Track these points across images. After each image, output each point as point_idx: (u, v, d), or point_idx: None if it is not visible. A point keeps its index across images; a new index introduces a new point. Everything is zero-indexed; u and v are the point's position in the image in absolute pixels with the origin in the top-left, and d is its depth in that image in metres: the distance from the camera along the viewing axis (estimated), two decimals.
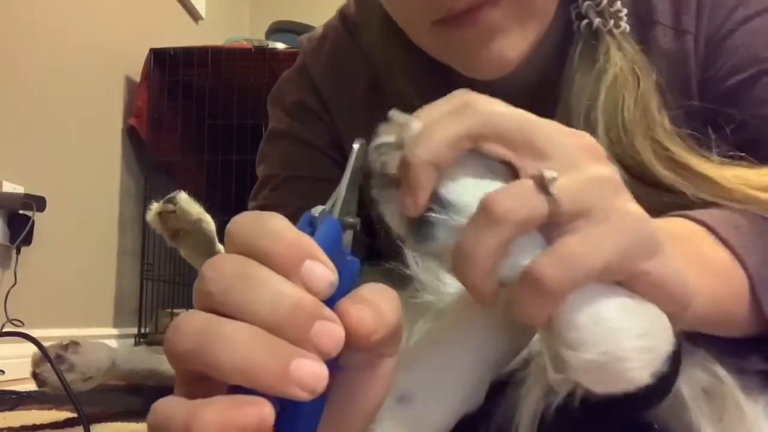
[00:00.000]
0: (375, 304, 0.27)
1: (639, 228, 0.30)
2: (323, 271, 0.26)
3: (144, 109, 2.24)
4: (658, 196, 0.49)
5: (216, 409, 0.24)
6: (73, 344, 1.01)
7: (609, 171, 0.31)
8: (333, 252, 0.28)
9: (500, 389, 0.36)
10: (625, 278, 0.29)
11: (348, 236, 0.30)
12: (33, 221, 1.65)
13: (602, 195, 0.30)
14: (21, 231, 1.63)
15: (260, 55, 2.20)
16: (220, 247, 1.25)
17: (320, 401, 0.27)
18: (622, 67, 0.53)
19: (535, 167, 0.30)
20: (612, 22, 0.54)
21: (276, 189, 0.69)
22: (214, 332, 0.25)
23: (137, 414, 1.09)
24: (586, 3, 0.55)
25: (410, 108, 0.34)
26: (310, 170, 0.68)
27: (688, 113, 0.58)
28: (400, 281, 0.46)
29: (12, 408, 1.14)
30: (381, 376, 0.29)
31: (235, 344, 0.24)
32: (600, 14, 0.55)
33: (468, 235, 0.29)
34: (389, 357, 0.29)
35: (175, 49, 2.25)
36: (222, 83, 2.22)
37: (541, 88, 0.57)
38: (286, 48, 2.29)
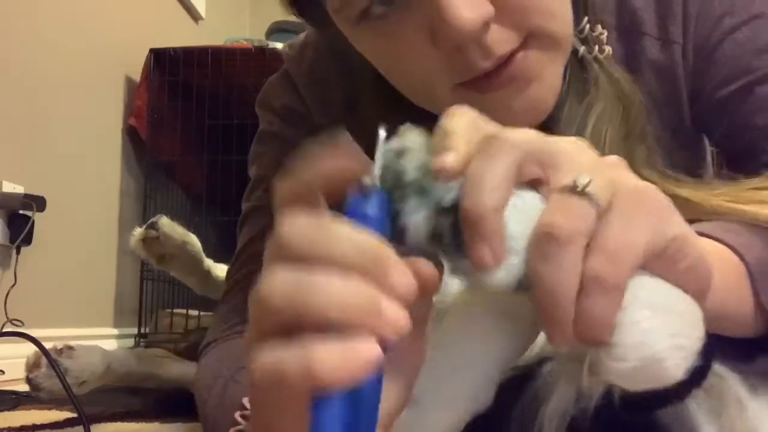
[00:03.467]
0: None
1: (659, 197, 0.30)
2: (409, 279, 0.27)
3: (144, 109, 2.24)
4: None
5: (331, 347, 0.25)
6: (68, 348, 1.01)
7: (608, 156, 0.32)
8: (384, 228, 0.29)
9: (513, 388, 0.36)
10: (660, 250, 0.29)
11: None
12: (33, 221, 1.65)
13: (621, 178, 0.30)
14: (21, 231, 1.63)
15: (260, 55, 2.20)
16: (207, 264, 1.25)
17: (378, 385, 0.28)
18: (611, 98, 0.53)
19: (561, 177, 0.30)
20: (596, 48, 0.54)
21: (269, 189, 0.69)
22: (307, 277, 0.26)
23: (137, 414, 1.10)
24: None
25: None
26: None
27: (679, 127, 0.58)
28: None
29: (12, 408, 1.14)
30: (419, 350, 0.31)
31: (330, 285, 0.26)
32: (584, 41, 0.54)
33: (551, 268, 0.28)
34: (420, 354, 0.31)
35: (175, 49, 2.24)
36: (222, 83, 2.22)
37: None
38: None
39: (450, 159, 0.29)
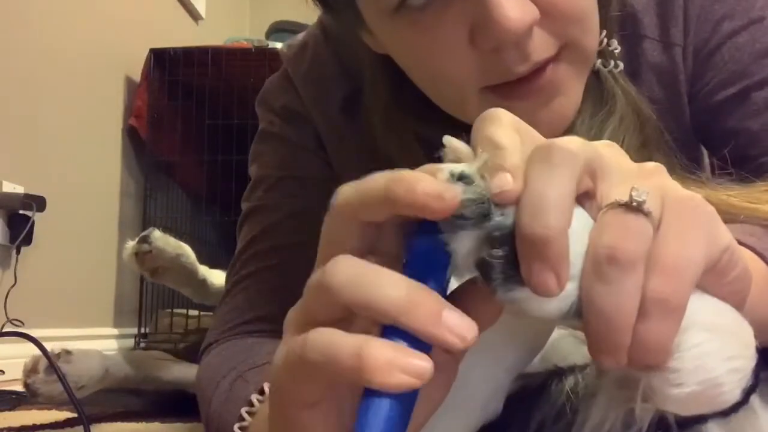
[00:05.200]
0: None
1: (707, 207, 0.29)
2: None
3: (144, 109, 2.24)
4: None
5: (386, 348, 0.25)
6: (65, 353, 1.00)
7: (647, 163, 0.31)
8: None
9: (520, 398, 0.36)
10: (714, 263, 0.28)
11: None
12: (33, 221, 1.65)
13: (667, 187, 0.29)
14: (21, 231, 1.63)
15: (260, 55, 2.19)
16: (203, 273, 1.23)
17: (415, 395, 0.28)
18: (627, 111, 0.53)
19: (608, 188, 0.28)
20: (612, 63, 0.54)
21: (270, 189, 0.69)
22: (374, 270, 0.26)
23: (137, 414, 1.09)
24: None
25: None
26: (302, 171, 0.69)
27: (680, 129, 0.58)
28: None
29: (12, 408, 1.14)
30: (449, 381, 0.31)
31: (397, 282, 0.26)
32: (600, 54, 0.55)
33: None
34: (456, 363, 0.31)
35: (175, 49, 2.24)
36: (222, 83, 2.22)
37: None
38: None
39: (509, 182, 0.26)
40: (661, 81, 0.59)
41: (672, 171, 0.51)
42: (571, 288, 0.27)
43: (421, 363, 0.25)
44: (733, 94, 0.57)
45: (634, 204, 0.27)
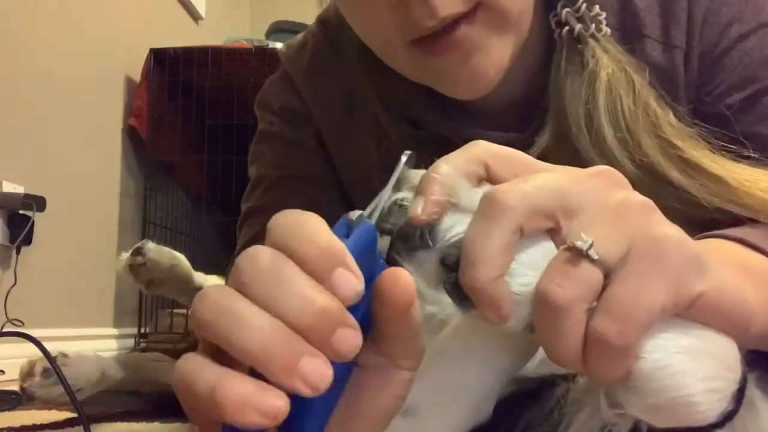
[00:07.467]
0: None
1: (683, 251, 0.28)
2: (351, 280, 0.26)
3: (144, 109, 2.23)
4: (677, 196, 0.48)
5: (242, 384, 0.25)
6: (62, 356, 1.00)
7: (635, 196, 0.30)
8: (366, 256, 0.28)
9: (512, 403, 0.36)
10: (683, 308, 0.28)
11: (384, 241, 0.31)
12: (33, 221, 1.65)
13: (641, 227, 0.29)
14: (21, 231, 1.62)
15: (260, 55, 2.20)
16: (198, 281, 1.22)
17: (332, 400, 0.28)
18: (612, 68, 0.53)
19: (576, 224, 0.29)
20: (593, 26, 0.54)
21: (269, 189, 0.69)
22: (234, 310, 0.26)
23: (137, 414, 1.09)
24: (565, 10, 0.55)
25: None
26: (302, 170, 0.69)
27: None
28: None
29: (12, 408, 1.14)
30: (396, 384, 0.30)
31: (252, 328, 0.25)
32: (580, 20, 0.55)
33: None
34: (405, 370, 0.30)
35: (175, 49, 2.24)
36: (222, 83, 2.22)
37: (527, 101, 0.57)
38: None
39: (417, 209, 0.30)
40: (659, 81, 0.58)
41: (680, 136, 0.51)
42: (525, 313, 0.29)
43: (276, 402, 0.24)
44: (743, 99, 0.56)
45: (577, 251, 0.28)
